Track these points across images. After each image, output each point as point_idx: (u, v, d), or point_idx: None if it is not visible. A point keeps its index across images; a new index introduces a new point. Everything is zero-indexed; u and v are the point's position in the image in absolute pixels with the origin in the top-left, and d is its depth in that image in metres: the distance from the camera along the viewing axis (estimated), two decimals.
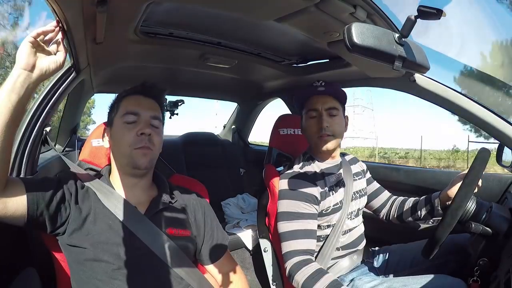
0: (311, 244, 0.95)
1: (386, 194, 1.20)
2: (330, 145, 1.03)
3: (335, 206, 1.02)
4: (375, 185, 1.21)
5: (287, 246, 0.95)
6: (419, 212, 1.06)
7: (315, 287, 0.84)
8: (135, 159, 0.79)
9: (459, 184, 0.93)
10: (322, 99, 1.05)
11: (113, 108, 0.86)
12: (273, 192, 1.12)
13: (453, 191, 0.95)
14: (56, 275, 0.81)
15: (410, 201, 1.11)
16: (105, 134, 0.87)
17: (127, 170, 0.82)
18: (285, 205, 0.99)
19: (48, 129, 1.12)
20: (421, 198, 1.08)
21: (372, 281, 0.96)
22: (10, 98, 0.61)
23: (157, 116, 0.84)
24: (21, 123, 1.04)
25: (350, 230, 1.07)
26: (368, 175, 1.22)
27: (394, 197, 1.20)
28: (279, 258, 1.14)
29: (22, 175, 0.94)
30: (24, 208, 0.68)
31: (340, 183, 1.06)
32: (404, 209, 1.10)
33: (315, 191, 0.99)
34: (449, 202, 0.88)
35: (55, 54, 0.69)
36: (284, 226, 0.97)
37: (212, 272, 0.88)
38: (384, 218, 1.19)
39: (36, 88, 0.67)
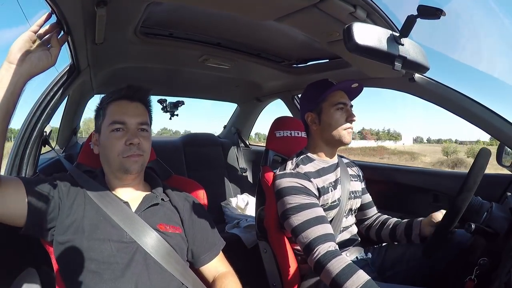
0: (328, 228, 0.90)
1: (373, 210, 1.22)
2: (351, 139, 1.05)
3: (333, 203, 1.02)
4: (367, 197, 1.22)
5: (306, 236, 0.88)
6: (397, 234, 1.08)
7: (348, 284, 0.77)
8: (125, 166, 0.79)
9: (440, 214, 0.97)
10: (346, 95, 1.06)
11: (99, 114, 0.85)
12: (270, 194, 1.12)
13: (434, 219, 0.97)
14: (56, 275, 0.81)
15: (392, 221, 1.13)
16: (94, 140, 0.87)
17: (118, 175, 0.82)
18: (287, 202, 0.96)
19: (48, 130, 1.12)
20: (403, 221, 1.09)
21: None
22: None
23: (144, 121, 0.84)
24: (21, 124, 1.05)
25: (344, 228, 1.08)
26: (364, 185, 1.22)
27: (379, 214, 1.22)
28: (278, 260, 1.13)
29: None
30: (25, 207, 0.69)
31: (338, 181, 1.06)
32: (384, 228, 1.13)
33: (313, 186, 0.98)
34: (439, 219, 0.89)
35: (48, 50, 0.69)
36: (294, 221, 0.92)
37: (204, 274, 0.87)
38: (364, 231, 1.21)
39: (26, 83, 0.67)
